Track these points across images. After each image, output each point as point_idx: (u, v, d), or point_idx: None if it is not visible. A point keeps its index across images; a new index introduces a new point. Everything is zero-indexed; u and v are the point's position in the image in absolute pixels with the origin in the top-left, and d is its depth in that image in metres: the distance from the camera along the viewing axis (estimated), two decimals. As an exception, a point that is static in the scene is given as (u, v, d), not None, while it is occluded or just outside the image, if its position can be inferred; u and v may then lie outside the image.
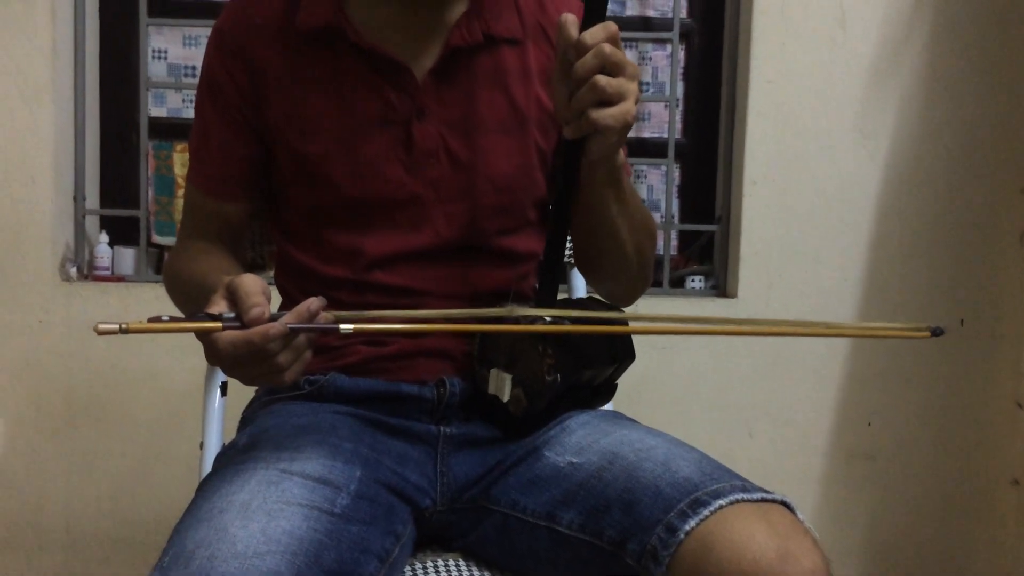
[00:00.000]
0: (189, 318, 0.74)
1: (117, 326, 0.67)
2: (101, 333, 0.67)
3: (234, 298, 0.74)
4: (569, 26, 0.81)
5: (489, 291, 1.00)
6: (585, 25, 0.81)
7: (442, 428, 0.96)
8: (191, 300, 0.96)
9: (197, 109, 1.03)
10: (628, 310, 0.98)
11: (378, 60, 0.96)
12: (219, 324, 0.72)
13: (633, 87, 0.81)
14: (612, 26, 0.81)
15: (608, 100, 0.80)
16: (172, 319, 0.72)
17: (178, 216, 1.93)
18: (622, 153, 0.90)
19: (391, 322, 0.87)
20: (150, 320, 0.70)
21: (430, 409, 0.96)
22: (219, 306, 0.75)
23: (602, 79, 0.79)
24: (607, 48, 0.80)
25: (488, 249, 1.00)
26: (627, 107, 0.81)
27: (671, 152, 2.02)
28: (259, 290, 0.74)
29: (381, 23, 0.97)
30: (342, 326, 0.74)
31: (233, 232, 1.05)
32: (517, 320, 0.87)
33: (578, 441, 0.90)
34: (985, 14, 1.93)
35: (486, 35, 0.97)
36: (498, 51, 0.99)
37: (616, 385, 1.00)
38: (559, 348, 0.89)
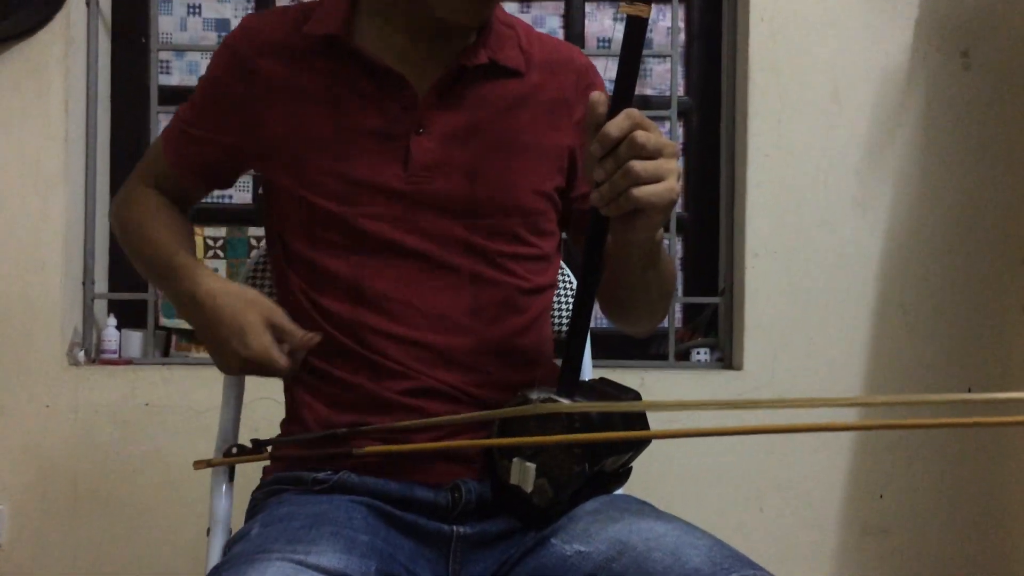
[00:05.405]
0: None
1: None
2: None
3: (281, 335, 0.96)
4: (598, 106, 0.81)
5: (499, 330, 0.98)
6: (613, 107, 0.81)
7: (455, 528, 0.93)
8: (150, 266, 1.05)
9: (198, 89, 1.06)
10: (645, 395, 0.98)
11: (379, 73, 0.96)
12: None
13: (672, 165, 0.80)
14: (636, 113, 0.80)
15: (647, 182, 0.79)
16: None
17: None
18: (660, 230, 0.89)
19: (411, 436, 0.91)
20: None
21: (443, 514, 0.94)
22: (264, 337, 0.95)
23: (637, 164, 0.79)
24: (640, 137, 0.79)
25: (495, 277, 0.98)
26: (669, 185, 0.80)
27: (673, 226, 2.04)
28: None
29: (388, 43, 0.98)
30: (355, 451, 0.75)
31: (184, 200, 1.11)
32: (544, 420, 0.86)
33: (585, 528, 0.88)
34: (977, 87, 1.97)
35: (491, 60, 0.98)
36: (501, 79, 0.99)
37: (631, 468, 0.99)
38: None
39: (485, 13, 0.95)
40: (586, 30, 2.14)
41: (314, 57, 0.98)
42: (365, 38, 0.98)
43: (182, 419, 1.89)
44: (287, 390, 1.05)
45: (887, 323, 1.96)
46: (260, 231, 2.05)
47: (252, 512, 0.99)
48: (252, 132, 1.01)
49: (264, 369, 0.97)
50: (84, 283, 1.99)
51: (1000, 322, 1.97)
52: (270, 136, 0.99)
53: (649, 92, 2.15)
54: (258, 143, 1.01)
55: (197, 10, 2.12)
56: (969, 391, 1.96)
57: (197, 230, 2.03)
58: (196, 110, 1.06)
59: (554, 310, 1.21)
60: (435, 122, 0.97)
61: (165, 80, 2.10)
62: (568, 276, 1.24)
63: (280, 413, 1.07)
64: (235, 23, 2.11)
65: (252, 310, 0.96)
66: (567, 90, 1.02)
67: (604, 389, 0.96)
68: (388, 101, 0.97)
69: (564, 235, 1.10)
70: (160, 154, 1.09)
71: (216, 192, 2.08)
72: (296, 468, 0.98)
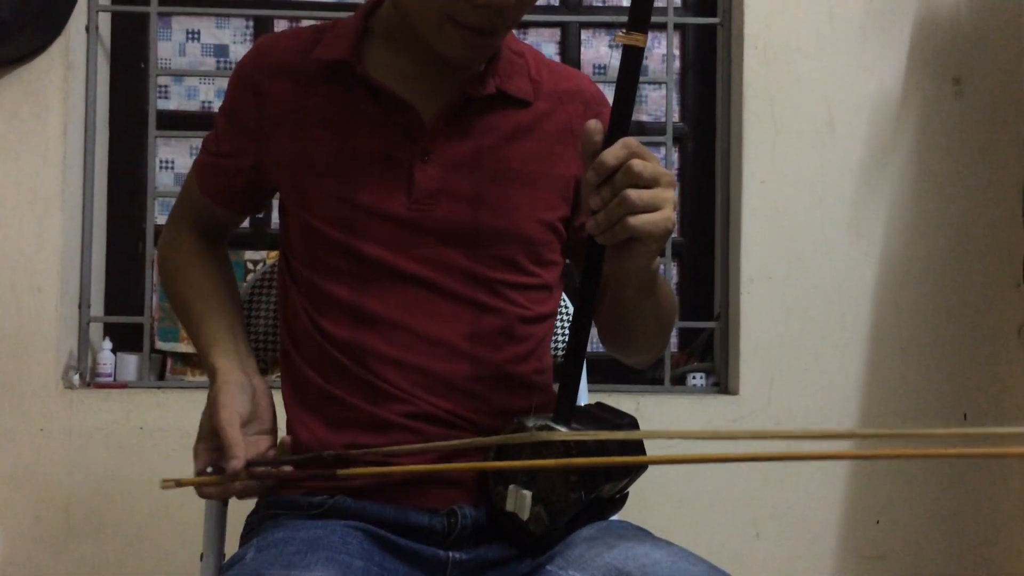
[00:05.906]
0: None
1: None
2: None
3: (220, 447, 0.91)
4: (594, 134, 0.81)
5: (498, 357, 0.98)
6: (609, 135, 0.81)
7: (451, 554, 0.93)
8: (183, 314, 1.07)
9: (217, 115, 1.07)
10: (641, 419, 0.97)
11: (386, 99, 0.96)
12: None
13: (668, 194, 0.80)
14: (632, 142, 0.80)
15: (643, 211, 0.79)
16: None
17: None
18: (657, 259, 0.89)
19: (404, 461, 0.90)
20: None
21: (439, 540, 0.93)
22: (198, 448, 0.94)
23: (633, 193, 0.78)
24: (636, 165, 0.79)
25: (495, 305, 0.98)
26: (665, 214, 0.79)
27: (668, 251, 2.05)
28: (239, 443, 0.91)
29: (396, 70, 0.98)
30: (340, 471, 0.75)
31: (220, 228, 1.14)
32: (540, 447, 0.86)
33: (581, 554, 0.87)
34: (970, 113, 1.99)
35: (499, 89, 0.98)
36: (508, 109, 0.99)
37: (628, 494, 0.99)
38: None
39: (482, 54, 0.95)
40: (582, 56, 2.15)
41: (322, 81, 0.99)
42: (373, 64, 0.98)
43: (177, 443, 1.88)
44: (286, 408, 1.05)
45: (882, 347, 1.97)
46: (257, 255, 2.06)
47: (247, 536, 0.99)
48: (263, 153, 1.02)
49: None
50: (80, 306, 1.99)
51: (995, 345, 1.98)
52: (277, 158, 1.00)
53: (645, 118, 2.17)
54: (268, 164, 1.02)
55: (196, 36, 2.14)
56: (965, 416, 1.96)
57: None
58: (217, 137, 1.07)
59: (553, 338, 1.21)
60: (440, 150, 0.97)
61: (164, 105, 2.11)
62: (567, 305, 1.24)
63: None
64: (234, 49, 2.13)
65: (207, 419, 0.96)
66: (574, 120, 1.02)
67: (600, 414, 0.96)
68: (394, 128, 0.97)
69: (568, 261, 1.10)
70: (194, 183, 1.10)
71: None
72: (290, 492, 0.98)
